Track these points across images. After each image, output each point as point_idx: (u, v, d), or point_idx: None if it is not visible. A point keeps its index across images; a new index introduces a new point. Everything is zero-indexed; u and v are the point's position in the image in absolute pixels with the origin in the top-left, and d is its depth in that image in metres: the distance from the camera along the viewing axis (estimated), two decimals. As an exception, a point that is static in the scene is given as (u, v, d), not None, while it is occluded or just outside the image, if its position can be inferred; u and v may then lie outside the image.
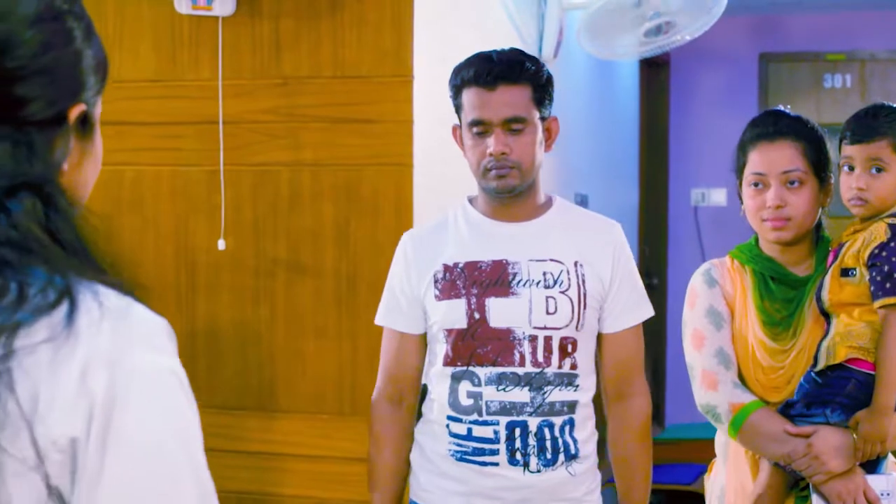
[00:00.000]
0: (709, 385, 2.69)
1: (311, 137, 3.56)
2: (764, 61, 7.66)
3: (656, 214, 7.59)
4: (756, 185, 2.69)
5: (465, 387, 2.71)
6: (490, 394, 2.68)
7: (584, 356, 2.74)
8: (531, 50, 4.45)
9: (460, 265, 2.74)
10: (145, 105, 3.68)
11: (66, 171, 1.23)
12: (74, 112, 1.24)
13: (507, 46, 2.80)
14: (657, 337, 7.25)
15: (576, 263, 2.73)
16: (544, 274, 2.71)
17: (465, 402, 2.71)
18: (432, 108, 3.51)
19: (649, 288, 7.16)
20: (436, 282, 2.75)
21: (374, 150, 3.50)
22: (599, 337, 2.80)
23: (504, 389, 2.67)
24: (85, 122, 1.26)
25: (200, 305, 3.65)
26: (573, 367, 2.71)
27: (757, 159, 2.69)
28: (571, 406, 2.70)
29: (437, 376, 2.77)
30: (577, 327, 2.71)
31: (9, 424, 1.09)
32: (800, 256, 2.74)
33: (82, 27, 1.26)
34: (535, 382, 2.67)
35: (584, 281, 2.72)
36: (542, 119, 2.74)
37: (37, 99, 1.20)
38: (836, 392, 2.56)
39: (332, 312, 3.54)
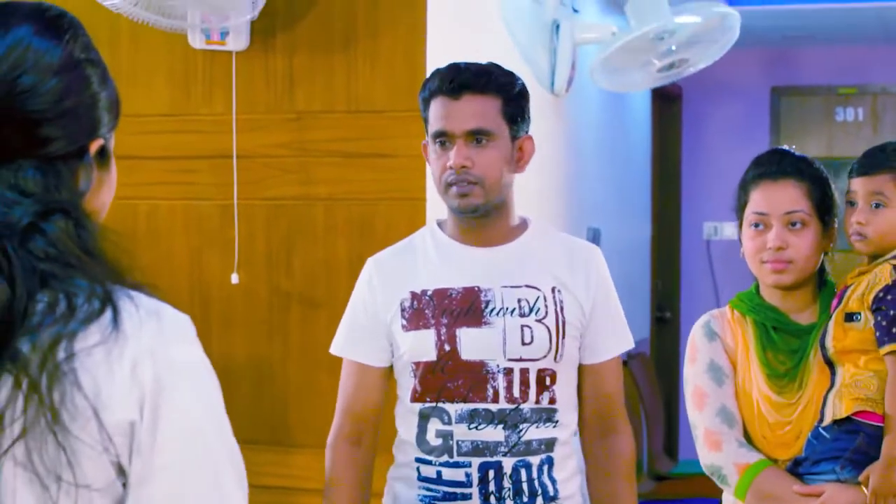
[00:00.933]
0: (712, 445, 2.56)
1: (325, 172, 3.57)
2: (776, 95, 7.67)
3: (669, 248, 7.58)
4: (757, 225, 2.57)
5: (434, 425, 2.52)
6: (461, 433, 2.49)
7: (564, 389, 2.55)
8: (543, 84, 4.46)
9: (429, 293, 2.54)
10: (159, 139, 3.69)
11: (87, 196, 1.39)
12: (94, 146, 1.40)
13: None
14: (670, 370, 7.21)
15: (553, 289, 2.55)
16: (519, 301, 2.52)
17: (434, 441, 2.52)
18: (445, 143, 3.52)
19: (662, 321, 7.22)
20: (403, 311, 2.55)
21: (387, 185, 3.51)
22: (580, 369, 2.61)
23: (476, 428, 2.49)
24: (103, 153, 1.42)
25: (214, 339, 3.65)
26: (552, 401, 2.52)
27: (759, 199, 2.57)
28: (550, 444, 2.52)
29: (403, 414, 2.58)
30: (555, 358, 2.52)
31: (79, 416, 1.27)
32: (803, 303, 2.61)
33: (98, 73, 1.41)
34: (509, 420, 2.49)
35: (562, 308, 2.54)
36: (515, 138, 2.55)
37: (59, 138, 1.36)
38: (845, 447, 2.44)
39: (345, 346, 3.54)
